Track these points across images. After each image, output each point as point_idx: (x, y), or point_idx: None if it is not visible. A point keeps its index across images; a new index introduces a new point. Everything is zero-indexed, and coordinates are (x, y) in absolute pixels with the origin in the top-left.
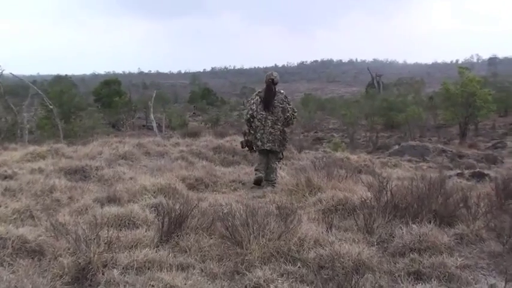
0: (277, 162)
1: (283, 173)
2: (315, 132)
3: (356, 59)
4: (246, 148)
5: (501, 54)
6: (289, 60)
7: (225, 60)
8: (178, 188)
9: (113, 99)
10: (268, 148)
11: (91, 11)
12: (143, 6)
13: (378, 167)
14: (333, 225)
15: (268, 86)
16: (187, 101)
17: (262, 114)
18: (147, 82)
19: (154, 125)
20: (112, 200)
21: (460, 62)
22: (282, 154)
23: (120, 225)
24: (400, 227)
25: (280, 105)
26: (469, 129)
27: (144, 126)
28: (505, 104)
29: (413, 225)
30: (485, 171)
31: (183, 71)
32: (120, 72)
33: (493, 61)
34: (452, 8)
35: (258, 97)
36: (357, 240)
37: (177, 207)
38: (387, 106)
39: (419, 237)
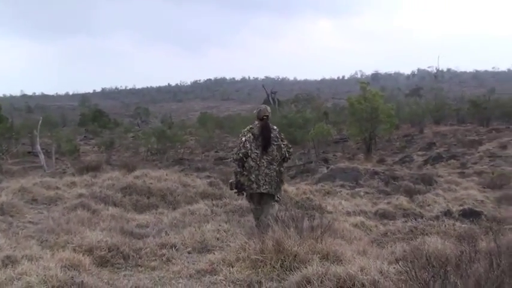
0: (275, 206)
1: (225, 225)
2: (216, 152)
3: (249, 77)
4: (235, 190)
5: (382, 70)
6: (182, 79)
7: (115, 80)
8: (86, 280)
9: None
10: (264, 191)
11: None
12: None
13: (319, 198)
14: None
15: (265, 124)
16: (77, 124)
17: (257, 153)
18: (31, 105)
19: (41, 158)
20: None
21: (346, 77)
22: (278, 197)
23: None
24: None
25: (275, 143)
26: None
27: (29, 152)
28: (396, 117)
29: None
30: (478, 209)
31: (71, 93)
32: (0, 95)
33: (375, 76)
34: (336, 27)
35: (250, 134)
36: None
37: None
38: (287, 123)
39: None
